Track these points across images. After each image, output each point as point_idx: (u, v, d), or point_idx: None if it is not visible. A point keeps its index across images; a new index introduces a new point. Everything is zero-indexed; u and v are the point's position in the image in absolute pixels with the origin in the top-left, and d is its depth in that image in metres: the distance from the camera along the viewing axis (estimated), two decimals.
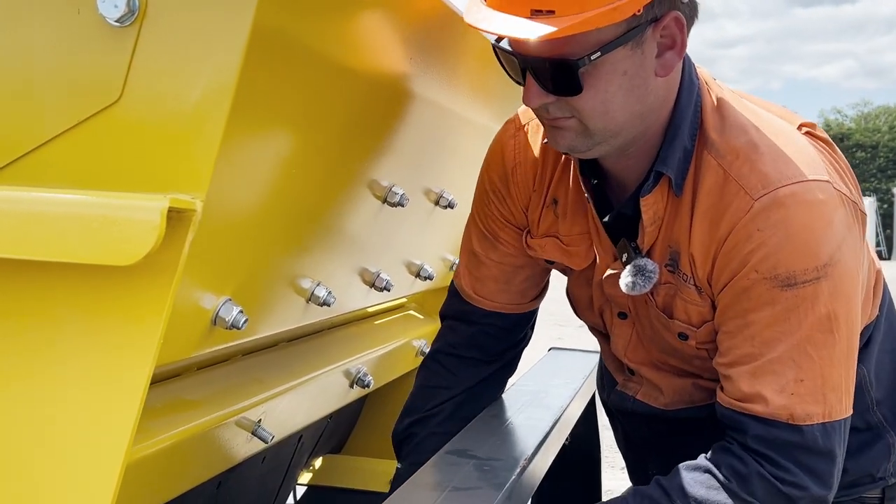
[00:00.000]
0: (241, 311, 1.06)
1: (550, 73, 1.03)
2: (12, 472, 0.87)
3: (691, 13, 1.08)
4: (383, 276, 1.50)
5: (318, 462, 2.11)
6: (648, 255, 1.17)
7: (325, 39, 1.02)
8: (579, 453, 1.65)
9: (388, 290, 1.52)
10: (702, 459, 1.13)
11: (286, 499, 1.96)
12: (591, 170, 1.19)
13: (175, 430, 1.21)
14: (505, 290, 1.35)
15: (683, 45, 1.07)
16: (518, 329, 1.41)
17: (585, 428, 1.60)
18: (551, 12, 0.97)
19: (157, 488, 1.22)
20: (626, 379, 1.37)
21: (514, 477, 1.12)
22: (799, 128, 1.19)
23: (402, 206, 1.36)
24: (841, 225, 1.09)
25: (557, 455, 1.40)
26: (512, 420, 1.34)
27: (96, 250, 0.78)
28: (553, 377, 1.51)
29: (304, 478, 2.11)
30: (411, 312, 2.08)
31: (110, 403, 0.85)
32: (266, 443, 1.40)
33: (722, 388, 1.14)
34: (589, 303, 1.32)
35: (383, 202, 1.35)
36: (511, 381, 1.51)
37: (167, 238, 0.79)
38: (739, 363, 1.11)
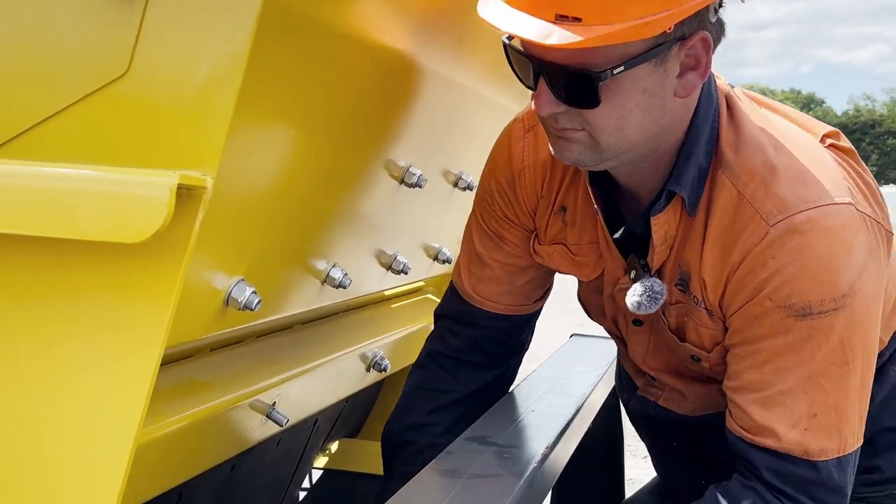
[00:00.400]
0: (254, 292, 1.03)
1: (567, 83, 0.98)
2: (21, 455, 0.85)
3: (718, 34, 1.03)
4: (400, 258, 1.47)
5: (334, 446, 2.09)
6: (658, 274, 1.13)
7: (339, 12, 0.98)
8: (602, 442, 1.61)
9: (406, 273, 1.48)
10: (719, 498, 1.08)
11: (301, 482, 1.95)
12: (601, 180, 1.14)
13: (188, 411, 1.19)
14: (509, 292, 1.31)
15: (707, 67, 1.02)
16: (520, 332, 1.37)
17: (608, 416, 1.56)
18: (578, 20, 0.92)
19: (169, 470, 1.21)
20: (646, 384, 1.33)
21: (534, 465, 1.09)
22: (822, 139, 1.14)
23: (420, 187, 1.32)
24: (863, 250, 1.04)
25: (579, 444, 1.37)
26: (532, 407, 1.31)
27: (104, 227, 0.75)
28: (574, 364, 1.47)
29: (320, 462, 2.09)
30: (429, 296, 2.05)
31: (120, 384, 0.83)
32: (281, 426, 1.39)
33: (731, 414, 1.10)
34: (601, 310, 1.28)
35: (400, 183, 1.32)
36: (531, 367, 1.47)
37: (177, 216, 0.77)
38: (748, 389, 1.06)
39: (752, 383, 1.06)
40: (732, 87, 1.15)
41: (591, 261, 1.21)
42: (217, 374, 1.33)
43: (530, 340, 1.41)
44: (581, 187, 1.19)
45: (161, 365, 1.24)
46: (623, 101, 0.99)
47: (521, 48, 1.01)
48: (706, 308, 1.11)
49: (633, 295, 1.13)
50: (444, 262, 1.70)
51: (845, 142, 1.15)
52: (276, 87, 0.94)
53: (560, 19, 0.93)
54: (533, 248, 1.26)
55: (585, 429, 1.40)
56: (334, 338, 1.60)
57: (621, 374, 1.43)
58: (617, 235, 1.14)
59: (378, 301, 1.85)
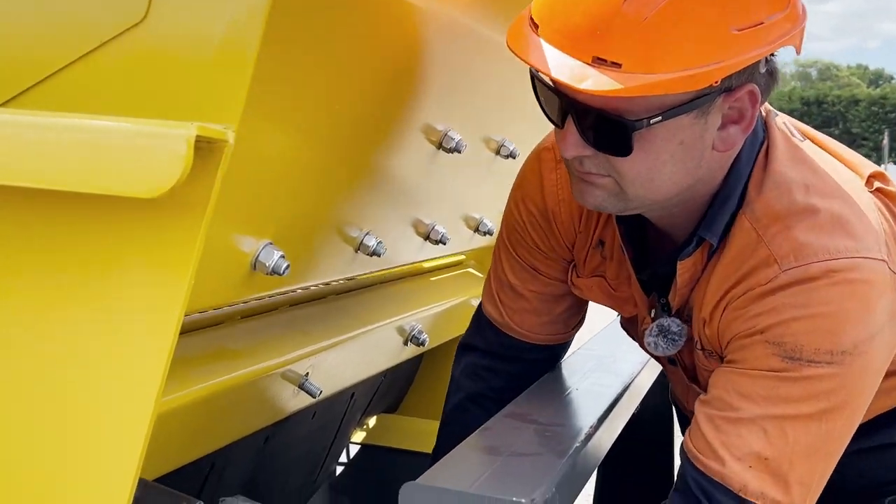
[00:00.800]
0: (282, 256, 0.98)
1: (599, 127, 0.91)
2: (37, 423, 0.81)
3: (768, 85, 0.94)
4: (439, 228, 1.41)
5: (371, 421, 2.06)
6: (678, 314, 1.06)
7: None
8: (650, 424, 1.53)
9: (444, 244, 1.42)
10: None
11: (338, 457, 1.92)
12: (631, 217, 1.07)
13: (218, 378, 1.17)
14: (548, 322, 1.25)
15: (751, 122, 0.93)
16: (557, 359, 1.32)
17: (657, 398, 1.48)
18: (617, 65, 0.84)
19: (200, 437, 1.18)
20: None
21: (577, 444, 1.03)
22: (868, 181, 1.04)
23: (459, 152, 1.25)
24: (884, 313, 0.94)
25: (627, 425, 1.30)
26: (576, 385, 1.25)
27: (118, 181, 0.70)
28: (622, 342, 1.39)
29: (358, 437, 2.07)
30: (470, 270, 1.99)
31: (138, 348, 0.77)
32: (314, 397, 1.35)
33: (689, 430, 1.02)
34: (640, 343, 1.21)
35: (438, 148, 1.25)
36: (576, 345, 1.41)
37: (196, 171, 0.71)
38: (710, 405, 0.98)
39: (715, 400, 0.98)
40: (776, 114, 1.06)
41: (630, 296, 1.15)
42: (248, 342, 1.30)
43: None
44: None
45: (190, 332, 1.23)
46: (657, 152, 0.91)
47: (549, 83, 0.93)
48: (702, 347, 1.05)
49: (650, 335, 1.07)
50: (485, 233, 1.63)
51: (892, 185, 1.06)
52: (304, 38, 0.88)
53: (597, 62, 0.85)
54: (571, 280, 1.20)
55: (633, 409, 1.33)
56: (370, 309, 1.56)
57: (676, 403, 1.37)
58: (643, 276, 1.09)
59: (417, 273, 1.81)
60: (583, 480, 1.07)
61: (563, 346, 1.33)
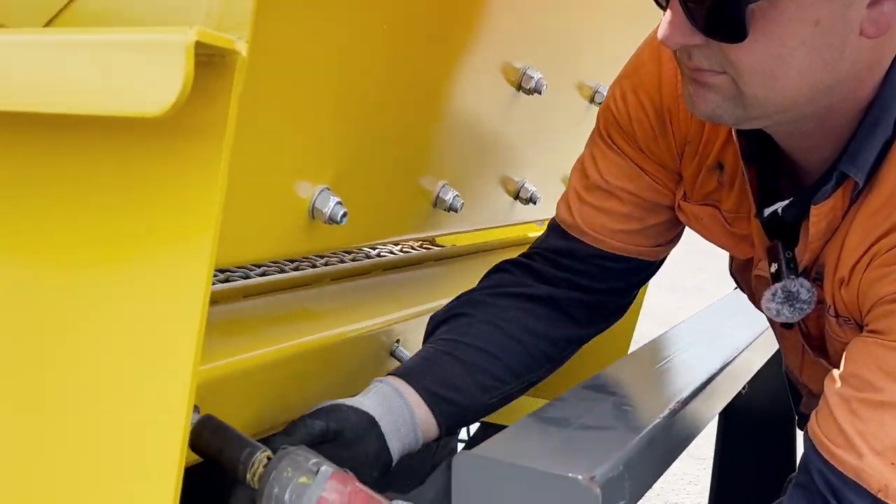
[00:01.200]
0: (339, 203, 0.93)
1: (707, 5, 0.72)
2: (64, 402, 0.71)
3: None
4: (528, 185, 1.30)
5: None
6: (805, 272, 0.87)
7: None
8: (764, 410, 1.34)
9: (534, 203, 1.32)
10: None
11: (458, 433, 1.88)
12: (756, 139, 0.87)
13: (302, 338, 1.14)
14: (636, 231, 1.01)
15: None
16: (635, 276, 1.06)
17: (773, 380, 1.29)
18: None
19: (291, 398, 1.17)
20: (809, 395, 1.07)
21: (658, 421, 0.91)
22: None
23: (539, 93, 1.13)
24: None
25: (739, 407, 1.14)
26: (671, 358, 1.10)
27: (112, 99, 0.63)
28: (734, 315, 1.22)
29: None
30: None
31: (167, 305, 0.68)
32: None
33: (816, 413, 0.82)
34: (752, 295, 1.02)
35: (518, 89, 1.14)
36: (681, 317, 1.25)
37: (208, 88, 0.65)
38: (845, 383, 0.79)
39: (852, 377, 0.79)
40: None
41: (749, 235, 0.96)
42: (335, 304, 1.28)
43: (635, 295, 1.12)
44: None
45: (274, 292, 1.22)
46: (782, 35, 0.71)
47: None
48: (836, 313, 0.86)
49: (773, 299, 0.89)
50: None
51: None
52: None
53: None
54: (678, 203, 1.00)
55: (738, 388, 1.16)
56: (471, 278, 1.49)
57: (787, 373, 1.16)
58: (762, 217, 0.89)
59: (523, 244, 1.71)
60: (663, 461, 0.94)
61: (646, 263, 1.06)
